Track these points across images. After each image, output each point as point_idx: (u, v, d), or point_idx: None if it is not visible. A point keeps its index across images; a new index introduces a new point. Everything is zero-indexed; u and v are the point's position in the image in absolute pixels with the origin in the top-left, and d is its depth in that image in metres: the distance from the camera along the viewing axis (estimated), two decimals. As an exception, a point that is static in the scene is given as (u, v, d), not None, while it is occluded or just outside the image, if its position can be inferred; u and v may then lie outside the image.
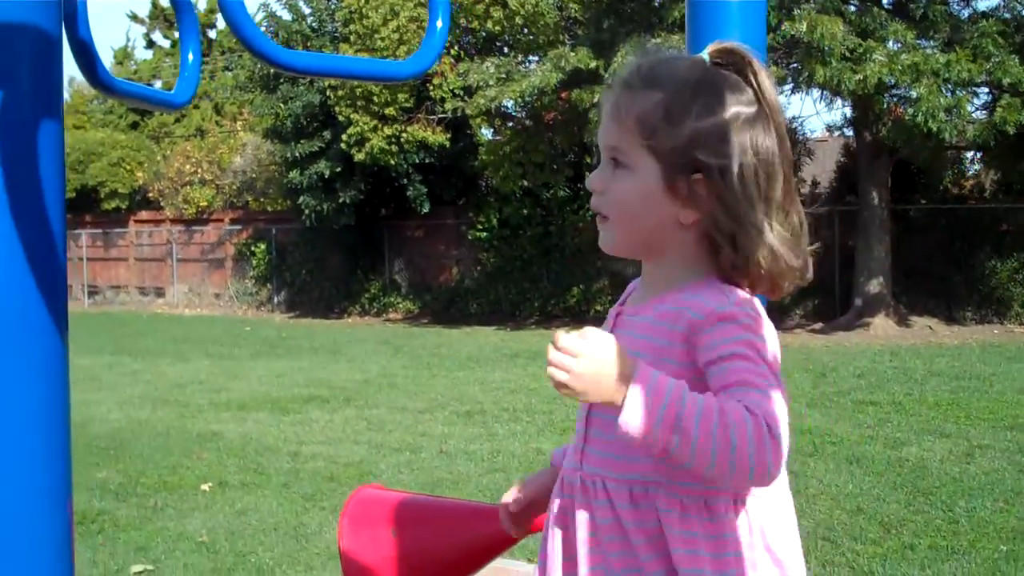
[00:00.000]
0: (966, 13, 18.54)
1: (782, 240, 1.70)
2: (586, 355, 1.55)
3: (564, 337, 1.57)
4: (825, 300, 20.71)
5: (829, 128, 22.28)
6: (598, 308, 22.66)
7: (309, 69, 1.62)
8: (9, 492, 1.49)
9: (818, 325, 19.77)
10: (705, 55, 1.77)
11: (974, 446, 8.21)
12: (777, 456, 1.56)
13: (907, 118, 16.41)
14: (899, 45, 16.52)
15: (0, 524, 1.49)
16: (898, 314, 19.27)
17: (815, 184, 23.01)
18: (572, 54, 16.88)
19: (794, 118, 22.16)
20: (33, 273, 1.47)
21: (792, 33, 15.96)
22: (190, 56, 2.03)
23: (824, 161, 23.03)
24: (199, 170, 30.91)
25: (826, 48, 15.78)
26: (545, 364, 1.60)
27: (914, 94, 16.23)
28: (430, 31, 1.69)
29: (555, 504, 1.83)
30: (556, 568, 1.79)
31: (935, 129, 15.84)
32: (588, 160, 23.07)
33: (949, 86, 16.28)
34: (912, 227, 20.94)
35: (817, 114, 67.46)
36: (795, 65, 17.60)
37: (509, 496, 1.99)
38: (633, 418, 1.55)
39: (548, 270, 23.27)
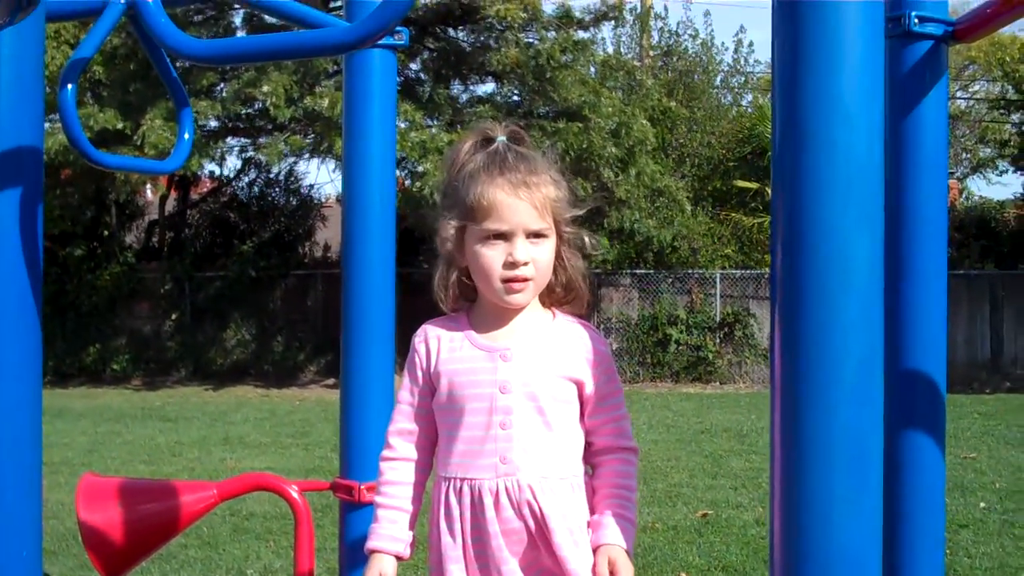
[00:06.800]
0: (465, 97, 20.75)
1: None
2: None
3: None
4: (337, 357, 21.96)
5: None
6: (115, 368, 22.43)
7: (110, 164, 2.37)
8: None
9: (331, 380, 20.98)
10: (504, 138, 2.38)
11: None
12: None
13: (414, 190, 17.94)
14: (408, 124, 18.17)
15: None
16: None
17: (327, 248, 24.27)
18: (100, 114, 17.03)
19: (311, 185, 23.42)
20: None
21: (314, 107, 17.19)
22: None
23: (336, 226, 24.41)
24: None
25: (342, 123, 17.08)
26: None
27: (421, 169, 17.84)
28: (180, 139, 2.47)
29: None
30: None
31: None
32: (107, 219, 22.90)
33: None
34: (414, 289, 22.72)
35: (331, 182, 69.62)
36: (313, 136, 18.81)
37: None
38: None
39: (63, 329, 22.69)
